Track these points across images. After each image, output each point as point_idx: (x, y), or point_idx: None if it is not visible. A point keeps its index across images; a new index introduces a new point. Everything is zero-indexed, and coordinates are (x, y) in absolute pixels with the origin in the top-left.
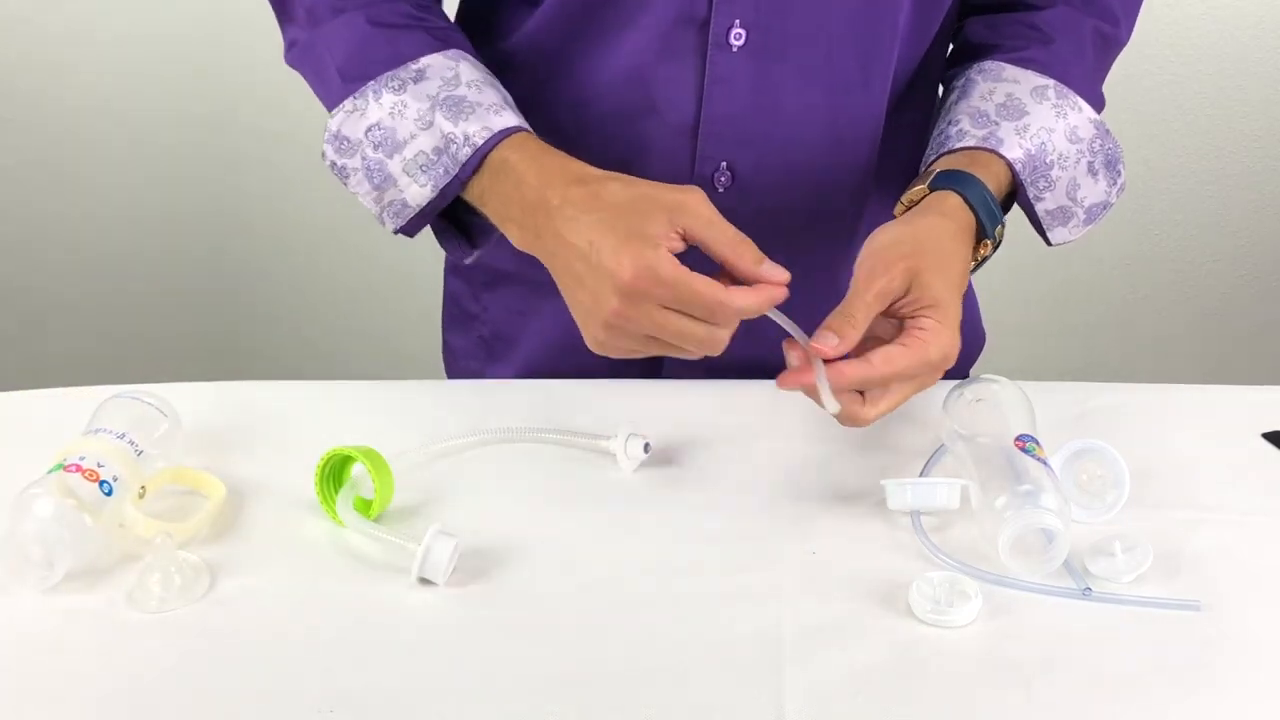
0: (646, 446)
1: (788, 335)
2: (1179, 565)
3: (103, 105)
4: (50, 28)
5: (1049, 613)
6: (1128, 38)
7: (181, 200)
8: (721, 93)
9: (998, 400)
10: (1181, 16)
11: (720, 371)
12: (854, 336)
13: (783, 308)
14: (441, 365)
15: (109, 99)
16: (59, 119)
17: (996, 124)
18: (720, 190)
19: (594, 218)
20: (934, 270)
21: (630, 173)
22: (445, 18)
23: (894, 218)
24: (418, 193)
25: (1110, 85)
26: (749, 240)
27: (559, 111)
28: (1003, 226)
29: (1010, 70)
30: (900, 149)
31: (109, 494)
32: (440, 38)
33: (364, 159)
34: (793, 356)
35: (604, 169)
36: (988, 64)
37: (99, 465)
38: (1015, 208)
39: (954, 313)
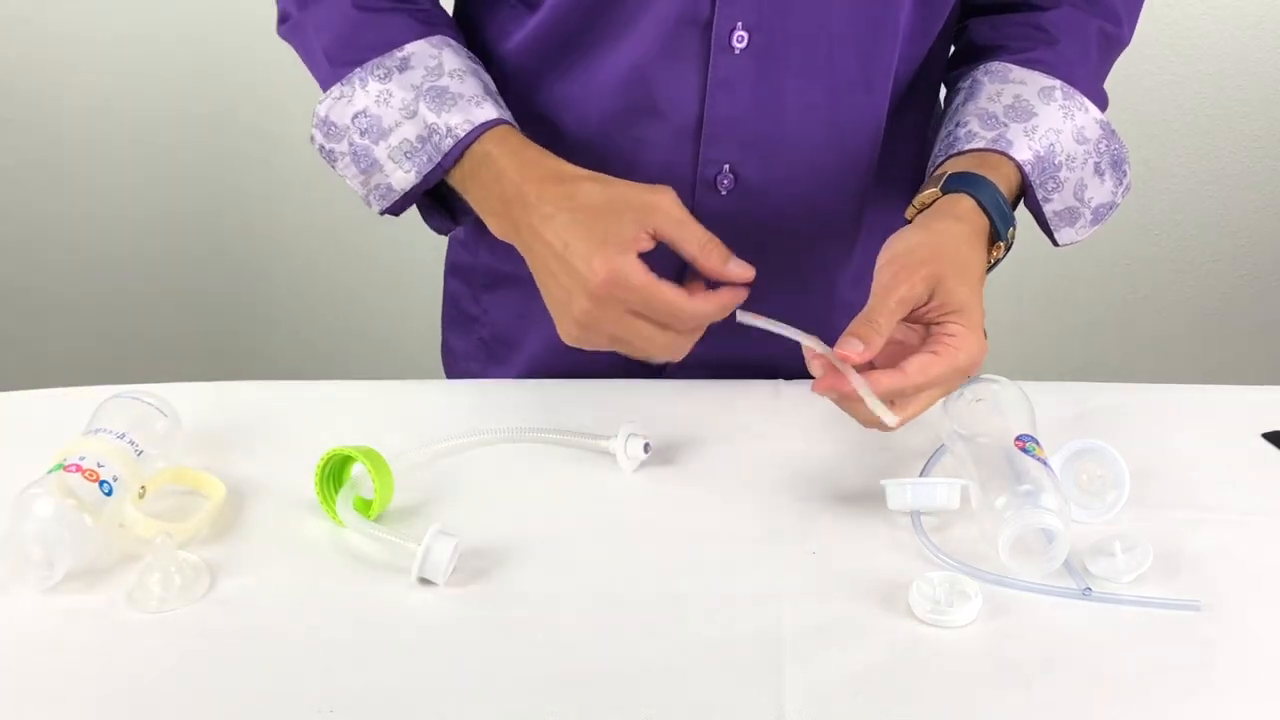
0: (646, 446)
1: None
2: (1179, 565)
3: (103, 105)
4: (50, 28)
5: (1049, 613)
6: (1130, 38)
7: (182, 200)
8: (724, 94)
9: (998, 400)
10: (1181, 16)
11: (720, 371)
12: (878, 343)
13: (782, 306)
14: (441, 366)
15: (109, 99)
16: (59, 119)
17: (1005, 125)
18: (723, 192)
19: (569, 217)
20: (956, 275)
21: (632, 175)
22: None
23: (900, 219)
24: (402, 178)
25: (1111, 85)
26: (716, 240)
27: (560, 113)
28: (1014, 229)
29: (1017, 71)
30: (902, 150)
31: (109, 494)
32: (424, 20)
33: (351, 144)
34: (815, 365)
35: (604, 170)
36: (994, 65)
37: (99, 465)
38: (1021, 208)
39: (978, 317)
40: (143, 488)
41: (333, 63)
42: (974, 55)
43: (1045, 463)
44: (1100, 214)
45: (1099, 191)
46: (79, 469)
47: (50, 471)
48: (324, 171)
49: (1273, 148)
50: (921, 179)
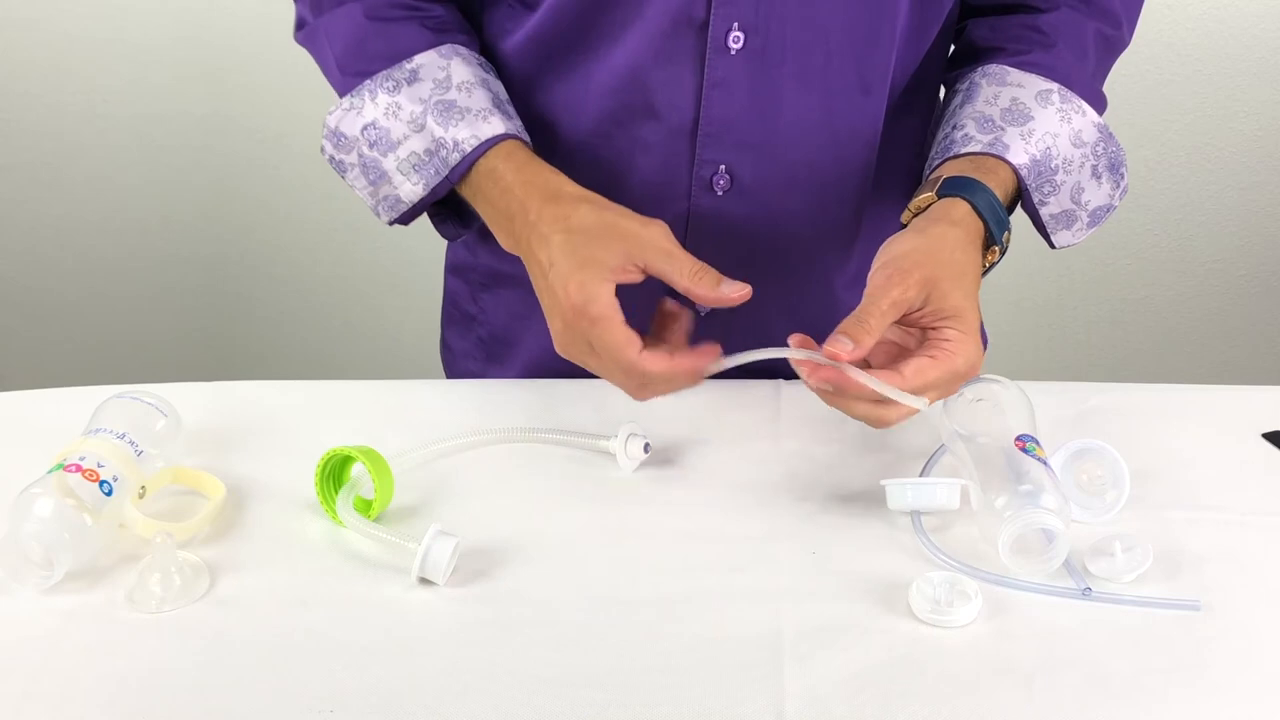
0: (646, 446)
1: (793, 332)
2: (1179, 565)
3: (103, 105)
4: (50, 28)
5: (1049, 613)
6: (1129, 39)
7: (182, 201)
8: (720, 96)
9: (997, 400)
10: (1181, 17)
11: (720, 372)
12: (868, 343)
13: (781, 308)
14: (441, 365)
15: (109, 99)
16: (59, 119)
17: (1002, 129)
18: (719, 194)
19: (562, 239)
20: (951, 280)
21: (629, 176)
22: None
23: (897, 222)
24: (410, 190)
25: (1110, 85)
26: (707, 267)
27: (558, 113)
28: (1009, 233)
29: (1014, 74)
30: (899, 153)
31: (109, 494)
32: (435, 28)
33: (360, 156)
34: (804, 370)
35: (601, 170)
36: (991, 67)
37: (99, 465)
38: (1019, 210)
39: (974, 321)
40: (143, 488)
41: (344, 72)
42: (972, 57)
43: (1045, 463)
44: (1097, 217)
45: (1096, 194)
46: (79, 469)
47: (50, 471)
48: (324, 172)
49: (1273, 148)
50: (919, 182)
